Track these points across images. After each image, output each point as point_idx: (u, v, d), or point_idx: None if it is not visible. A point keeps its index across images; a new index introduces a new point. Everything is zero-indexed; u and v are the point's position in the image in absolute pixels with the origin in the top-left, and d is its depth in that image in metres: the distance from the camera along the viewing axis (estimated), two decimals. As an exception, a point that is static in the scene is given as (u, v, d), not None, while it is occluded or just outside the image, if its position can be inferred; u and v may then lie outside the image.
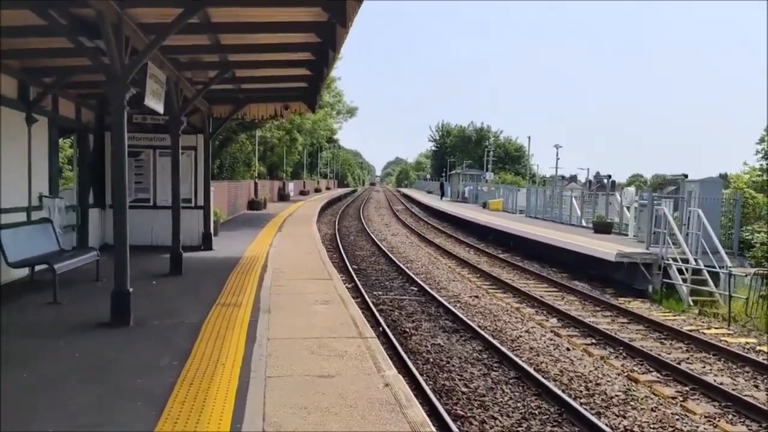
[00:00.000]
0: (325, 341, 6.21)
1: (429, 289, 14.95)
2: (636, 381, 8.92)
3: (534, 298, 14.52)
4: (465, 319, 11.92)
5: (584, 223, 26.34)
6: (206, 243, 14.30)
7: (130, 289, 6.82)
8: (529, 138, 47.23)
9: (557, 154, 48.27)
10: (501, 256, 22.60)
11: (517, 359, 9.40)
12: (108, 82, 6.70)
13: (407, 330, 11.32)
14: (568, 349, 10.54)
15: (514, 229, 24.92)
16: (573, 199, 29.08)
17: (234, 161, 29.82)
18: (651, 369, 9.43)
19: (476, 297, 14.91)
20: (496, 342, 10.38)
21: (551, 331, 11.72)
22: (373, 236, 27.88)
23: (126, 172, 6.82)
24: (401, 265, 18.77)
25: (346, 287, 10.98)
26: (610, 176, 29.09)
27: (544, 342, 10.93)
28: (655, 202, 17.26)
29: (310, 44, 9.25)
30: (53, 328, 6.67)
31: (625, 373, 9.29)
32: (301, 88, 13.16)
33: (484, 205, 42.24)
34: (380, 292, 14.96)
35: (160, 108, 8.93)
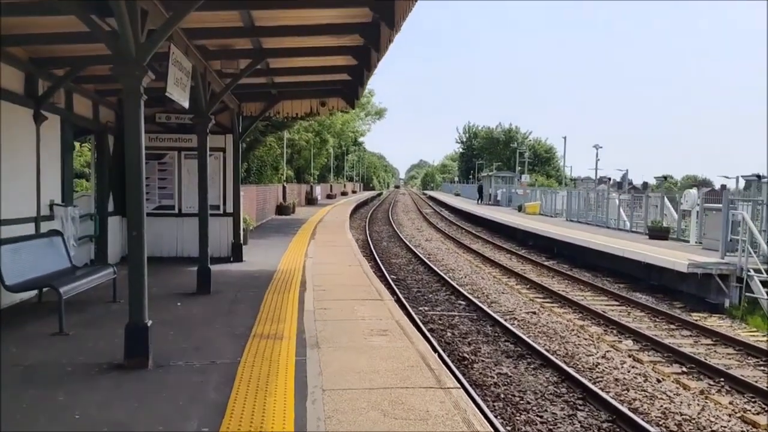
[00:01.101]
0: (398, 394, 4.77)
1: (479, 303, 13.50)
2: (755, 425, 7.33)
3: (597, 314, 12.94)
4: (529, 341, 10.42)
5: (631, 227, 24.75)
6: (236, 254, 13.00)
7: (149, 323, 5.45)
8: (565, 138, 45.37)
9: (597, 155, 45.94)
10: (546, 263, 21.02)
11: (604, 395, 7.88)
12: (118, 64, 5.36)
13: (466, 356, 9.86)
14: (658, 381, 8.95)
15: (557, 234, 23.32)
16: (618, 201, 27.43)
17: (261, 165, 28.64)
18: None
19: (533, 313, 13.37)
20: (572, 371, 8.85)
21: (630, 356, 10.14)
22: (406, 242, 26.54)
23: (143, 176, 5.46)
24: (442, 275, 17.35)
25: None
26: (630, 180, 27.44)
27: (627, 371, 9.36)
28: (731, 205, 15.52)
29: (359, 25, 7.86)
30: (54, 371, 5.33)
31: (738, 413, 7.70)
32: (341, 81, 11.78)
33: (520, 209, 40.51)
34: (426, 308, 13.51)
35: (185, 101, 7.60)
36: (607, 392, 8.23)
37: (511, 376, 8.96)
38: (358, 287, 9.94)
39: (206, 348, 6.14)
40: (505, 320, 12.23)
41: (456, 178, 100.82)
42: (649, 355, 10.21)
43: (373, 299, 8.91)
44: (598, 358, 10.01)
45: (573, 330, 11.90)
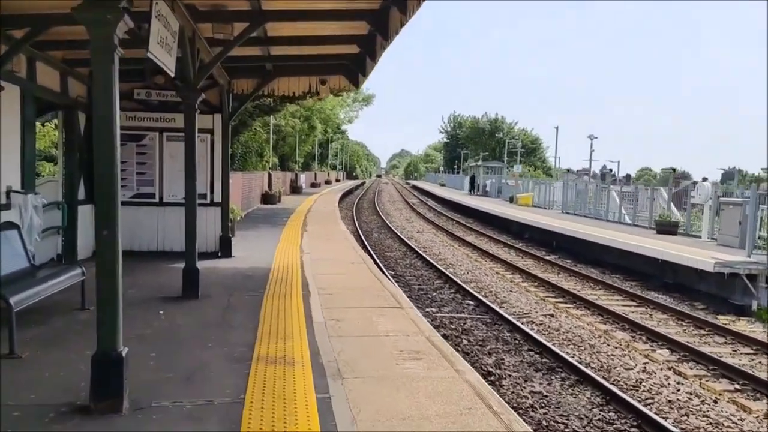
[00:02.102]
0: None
1: (490, 304, 12.40)
2: None
3: (618, 317, 11.85)
4: (558, 351, 9.27)
5: (634, 221, 23.88)
6: (224, 249, 11.59)
7: (123, 351, 4.09)
8: (557, 128, 44.23)
9: (591, 146, 44.91)
10: (548, 258, 19.94)
11: (663, 422, 6.74)
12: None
13: (490, 369, 8.66)
14: (715, 402, 7.84)
15: (558, 227, 22.32)
16: (614, 194, 26.61)
17: (246, 150, 27.07)
18: None
19: (550, 315, 12.21)
20: (616, 390, 7.71)
21: (671, 369, 9.04)
22: (398, 233, 25.35)
23: (117, 154, 4.07)
24: (443, 270, 16.22)
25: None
26: (611, 170, 26.90)
27: (676, 389, 8.22)
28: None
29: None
30: (-5, 417, 3.96)
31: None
32: (348, 55, 10.40)
33: (511, 200, 39.47)
34: (433, 309, 12.29)
35: (170, 65, 6.19)
36: (665, 417, 7.09)
37: (547, 396, 7.77)
38: (368, 291, 8.63)
39: (198, 379, 4.79)
40: (523, 324, 11.10)
41: (441, 168, 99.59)
42: (691, 368, 9.12)
43: (391, 307, 7.60)
44: (637, 372, 8.87)
45: (599, 336, 10.77)
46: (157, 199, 11.49)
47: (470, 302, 13.14)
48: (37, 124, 12.30)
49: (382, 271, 12.87)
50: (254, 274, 9.92)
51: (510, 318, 11.35)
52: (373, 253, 18.37)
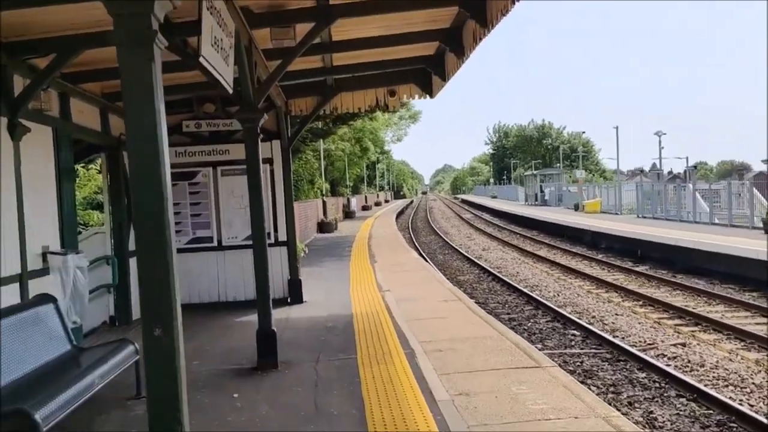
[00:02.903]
0: None
1: (601, 333, 10.54)
2: None
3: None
4: (726, 401, 7.28)
5: (717, 221, 21.92)
6: (294, 293, 10.08)
7: None
8: (617, 128, 41.67)
9: (660, 143, 42.00)
10: (637, 269, 17.81)
11: None
12: None
13: (644, 426, 6.80)
14: None
15: (639, 234, 20.33)
16: (697, 194, 24.35)
17: (297, 178, 25.87)
18: None
19: (681, 345, 10.15)
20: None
21: None
22: (463, 252, 23.67)
23: (168, 207, 2.53)
24: (528, 292, 14.53)
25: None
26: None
27: None
28: None
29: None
30: None
31: None
32: (422, 58, 8.83)
33: (576, 207, 37.16)
34: (537, 346, 10.43)
35: (228, 77, 4.72)
36: None
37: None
38: (484, 342, 6.88)
39: None
40: (654, 358, 9.19)
41: (491, 180, 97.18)
42: None
43: (527, 367, 5.83)
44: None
45: (758, 372, 8.68)
46: (215, 243, 10.09)
47: (575, 332, 11.24)
48: (79, 167, 11.16)
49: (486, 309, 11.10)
50: (335, 324, 8.32)
51: (635, 351, 9.43)
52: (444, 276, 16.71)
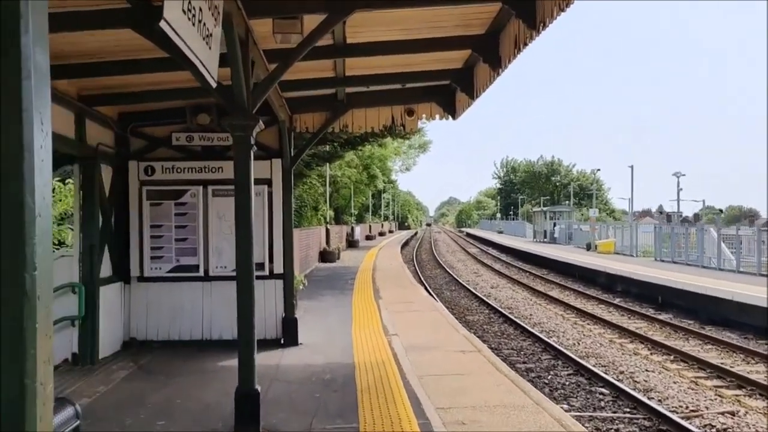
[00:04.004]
0: None
1: (634, 394, 9.29)
2: None
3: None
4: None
5: (743, 269, 20.63)
6: (289, 334, 8.79)
7: None
8: (632, 167, 40.56)
9: (678, 184, 40.86)
10: (660, 317, 16.53)
11: None
12: None
13: None
14: None
15: (661, 279, 18.96)
16: (719, 237, 23.17)
17: (301, 204, 24.74)
18: None
19: (730, 414, 8.84)
20: None
21: None
22: (472, 290, 22.39)
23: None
24: (544, 338, 13.38)
25: None
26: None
27: None
28: None
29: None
30: None
31: None
32: (448, 72, 7.72)
33: (588, 247, 35.83)
34: (563, 406, 9.13)
35: (209, 64, 3.57)
36: None
37: None
38: (516, 414, 5.56)
39: None
40: (702, 430, 7.90)
41: (498, 215, 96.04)
42: None
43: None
44: None
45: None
46: (201, 273, 8.84)
47: (603, 390, 9.90)
48: (54, 180, 10.01)
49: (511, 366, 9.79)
50: (334, 376, 7.02)
51: (679, 420, 8.10)
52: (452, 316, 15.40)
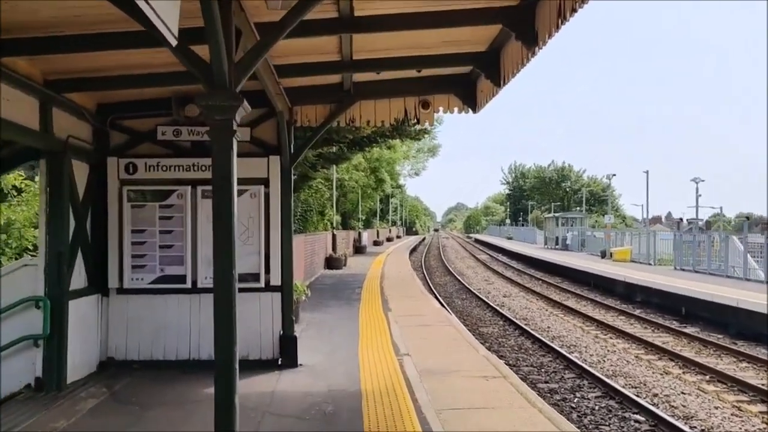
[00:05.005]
0: None
1: (673, 422, 8.27)
2: None
3: None
4: None
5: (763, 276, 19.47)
6: (287, 354, 7.74)
7: None
8: (647, 173, 39.39)
9: (697, 190, 39.66)
10: (687, 331, 15.39)
11: None
12: None
13: None
14: None
15: (684, 290, 17.94)
16: (745, 246, 22.07)
17: (307, 209, 23.71)
18: None
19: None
20: None
21: None
22: (484, 299, 21.37)
23: None
24: (567, 355, 12.16)
25: None
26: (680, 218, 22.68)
27: None
28: None
29: None
30: None
31: None
32: (471, 56, 6.69)
33: (603, 255, 34.64)
34: (597, 436, 8.10)
35: (168, 13, 2.57)
36: None
37: None
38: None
39: None
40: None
41: (507, 221, 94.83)
42: None
43: None
44: None
45: None
46: (189, 284, 7.81)
47: (638, 417, 8.84)
48: (20, 178, 9.01)
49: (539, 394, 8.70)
50: (337, 409, 5.96)
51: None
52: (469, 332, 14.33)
